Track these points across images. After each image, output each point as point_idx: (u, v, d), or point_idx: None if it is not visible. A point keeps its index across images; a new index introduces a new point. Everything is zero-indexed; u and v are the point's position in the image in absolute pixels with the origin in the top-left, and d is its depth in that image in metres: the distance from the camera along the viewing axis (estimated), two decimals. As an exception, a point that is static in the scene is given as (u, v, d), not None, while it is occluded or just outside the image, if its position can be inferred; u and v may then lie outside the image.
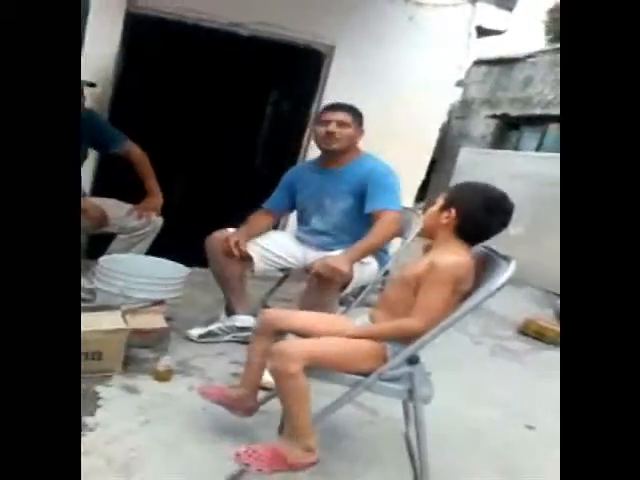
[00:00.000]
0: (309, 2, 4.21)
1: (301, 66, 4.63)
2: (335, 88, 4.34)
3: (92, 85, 3.40)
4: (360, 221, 3.03)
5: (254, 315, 3.21)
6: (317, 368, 1.97)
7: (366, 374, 2.01)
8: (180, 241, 3.53)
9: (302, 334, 2.18)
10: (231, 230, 3.17)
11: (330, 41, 4.35)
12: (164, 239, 3.57)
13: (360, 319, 2.25)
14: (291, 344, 1.99)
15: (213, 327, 3.16)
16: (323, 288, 2.80)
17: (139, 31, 4.07)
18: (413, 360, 2.01)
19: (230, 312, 3.22)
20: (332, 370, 2.01)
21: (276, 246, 3.20)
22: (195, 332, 3.13)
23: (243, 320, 3.17)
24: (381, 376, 2.01)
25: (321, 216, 3.16)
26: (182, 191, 5.57)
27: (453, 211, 2.06)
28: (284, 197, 3.31)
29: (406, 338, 2.02)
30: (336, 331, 2.12)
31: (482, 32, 4.70)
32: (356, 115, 3.08)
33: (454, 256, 2.02)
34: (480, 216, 2.04)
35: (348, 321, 2.28)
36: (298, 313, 2.40)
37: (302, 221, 3.29)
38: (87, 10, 3.64)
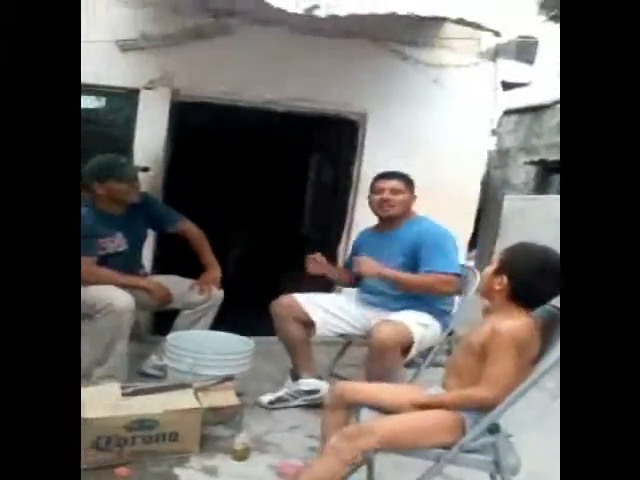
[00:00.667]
0: (338, 75, 4.36)
1: (337, 135, 4.80)
2: (373, 153, 4.48)
3: (146, 170, 3.55)
4: None
5: (319, 378, 3.23)
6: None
7: (447, 446, 2.00)
8: (237, 312, 3.59)
9: (373, 407, 2.18)
10: (298, 296, 3.25)
11: (362, 109, 4.50)
12: (223, 311, 3.62)
13: (434, 388, 2.24)
14: (364, 425, 1.98)
15: (281, 393, 3.23)
16: (383, 353, 2.81)
17: (184, 116, 4.29)
18: (493, 429, 1.99)
19: (295, 376, 3.26)
20: (410, 448, 2.00)
21: (339, 311, 3.24)
22: (265, 399, 3.20)
23: (309, 384, 3.22)
24: (463, 448, 1.99)
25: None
26: (235, 262, 5.71)
27: (505, 278, 2.06)
28: (351, 258, 3.39)
29: (480, 408, 2.00)
30: (407, 402, 2.11)
31: (507, 86, 4.86)
32: (408, 181, 3.23)
33: (513, 321, 2.00)
34: (534, 282, 2.02)
35: (419, 390, 2.27)
36: (368, 385, 2.41)
37: (362, 282, 3.33)
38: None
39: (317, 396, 3.18)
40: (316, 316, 3.19)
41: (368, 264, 3.02)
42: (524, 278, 2.03)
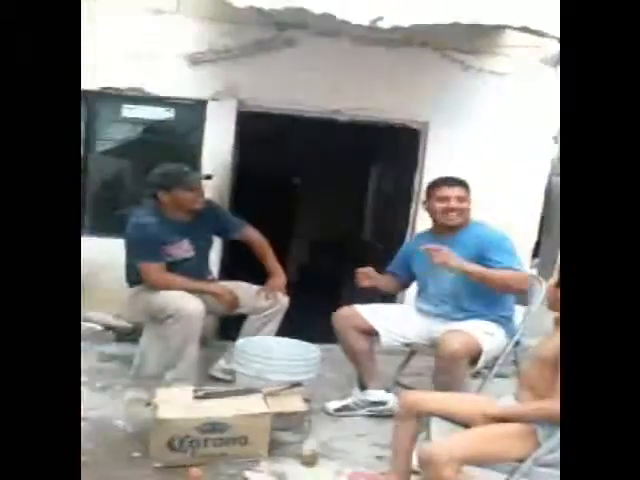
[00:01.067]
0: (400, 85, 4.39)
1: (398, 143, 4.82)
2: (434, 162, 4.49)
3: (209, 177, 3.64)
4: (476, 287, 3.05)
5: (386, 390, 3.27)
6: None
7: (520, 459, 2.01)
8: (302, 318, 3.66)
9: (445, 417, 2.20)
10: (359, 307, 3.26)
11: (424, 118, 4.52)
12: (287, 318, 3.68)
13: (505, 398, 2.25)
14: (439, 449, 1.96)
15: (348, 401, 3.26)
16: (452, 364, 2.82)
17: (249, 126, 4.39)
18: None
19: (362, 387, 3.30)
20: (486, 463, 2.01)
21: (402, 321, 3.26)
22: (331, 406, 3.24)
23: (376, 395, 3.24)
24: (537, 461, 1.99)
25: (438, 284, 3.20)
26: (297, 270, 5.79)
27: None
28: (403, 265, 3.40)
29: (557, 420, 2.00)
30: (479, 412, 2.13)
31: None
32: (467, 188, 3.21)
33: None
34: None
35: (491, 400, 2.27)
36: (439, 395, 2.42)
37: (421, 290, 3.35)
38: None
39: (383, 407, 3.21)
40: (379, 326, 3.21)
41: (450, 255, 2.92)
42: None
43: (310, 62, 4.26)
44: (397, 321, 3.26)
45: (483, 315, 3.08)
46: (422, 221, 4.39)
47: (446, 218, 3.17)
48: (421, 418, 2.26)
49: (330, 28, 3.99)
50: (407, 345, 3.33)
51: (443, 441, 2.06)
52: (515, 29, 4.06)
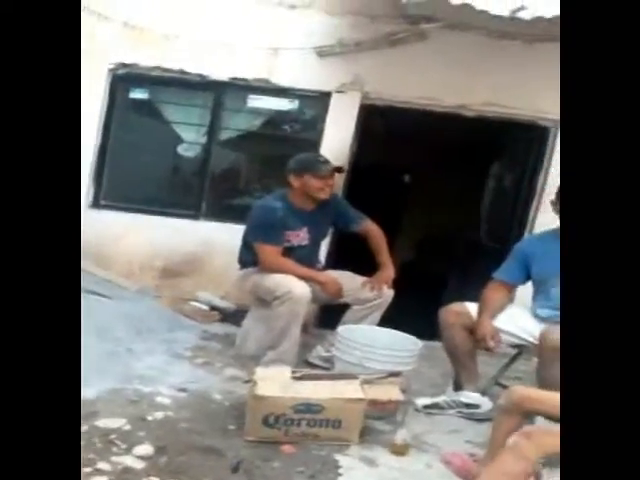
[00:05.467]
0: (532, 80, 4.24)
1: (525, 141, 4.65)
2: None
3: (340, 170, 3.67)
4: None
5: (482, 393, 3.16)
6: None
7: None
8: (405, 314, 3.63)
9: (552, 418, 2.09)
10: (469, 304, 3.18)
11: (555, 115, 4.31)
12: (390, 312, 3.68)
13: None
14: (544, 429, 1.93)
15: (439, 399, 3.17)
16: (555, 354, 2.65)
17: (372, 119, 4.44)
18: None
19: (458, 387, 3.21)
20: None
21: (510, 321, 3.14)
22: (421, 402, 3.16)
23: (470, 397, 3.13)
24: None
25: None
26: (404, 266, 5.75)
27: None
28: (519, 268, 3.22)
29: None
30: None
31: None
32: None
33: None
34: None
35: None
36: (548, 394, 2.30)
37: (541, 295, 3.16)
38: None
39: (476, 411, 3.10)
40: None
41: None
42: None
43: (441, 56, 4.23)
44: (508, 321, 3.12)
45: None
46: (540, 227, 4.26)
47: None
48: (526, 416, 2.17)
49: (466, 21, 3.91)
50: (515, 346, 3.22)
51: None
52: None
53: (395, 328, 3.42)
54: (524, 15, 3.35)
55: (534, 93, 4.25)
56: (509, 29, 3.87)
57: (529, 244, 3.33)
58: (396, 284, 3.69)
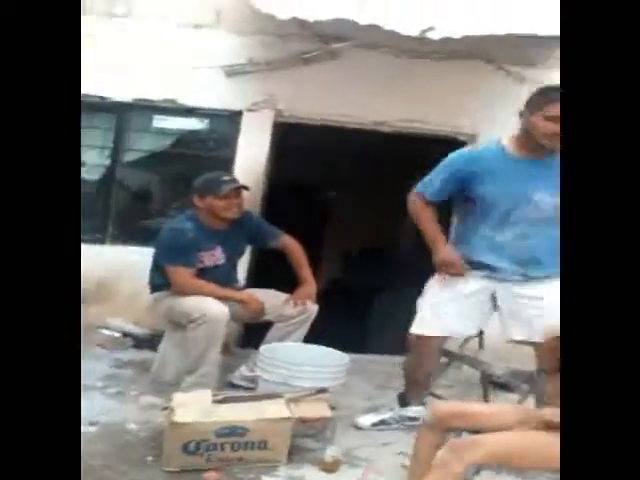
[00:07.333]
0: (447, 97, 4.30)
1: (444, 155, 4.71)
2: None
3: (245, 188, 3.59)
4: None
5: (424, 404, 3.07)
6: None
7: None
8: (331, 328, 3.55)
9: (477, 431, 2.02)
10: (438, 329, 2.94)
11: (472, 130, 4.39)
12: (316, 326, 3.57)
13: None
14: (468, 441, 1.89)
15: (386, 416, 3.06)
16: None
17: (286, 137, 4.37)
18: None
19: (404, 402, 3.10)
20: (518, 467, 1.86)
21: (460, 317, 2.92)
22: (367, 420, 3.03)
23: (416, 411, 3.03)
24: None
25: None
26: (329, 280, 5.71)
27: None
28: (449, 184, 2.93)
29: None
30: (516, 423, 1.96)
31: None
32: None
33: None
34: None
35: (529, 411, 2.11)
36: (472, 407, 2.23)
37: (494, 219, 2.86)
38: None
39: (417, 423, 2.99)
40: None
41: None
42: None
43: (353, 74, 4.23)
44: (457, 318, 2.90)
45: None
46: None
47: (551, 141, 2.62)
48: (450, 431, 2.09)
49: (376, 40, 3.94)
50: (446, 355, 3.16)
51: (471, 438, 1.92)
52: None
53: (324, 343, 3.33)
54: (433, 35, 3.39)
55: (449, 109, 4.32)
56: (419, 48, 3.92)
57: (468, 160, 2.90)
58: (324, 299, 3.62)
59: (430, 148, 4.77)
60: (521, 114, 2.79)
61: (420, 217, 3.00)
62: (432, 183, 2.95)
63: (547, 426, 1.87)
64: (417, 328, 2.95)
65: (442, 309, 2.90)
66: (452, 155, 2.98)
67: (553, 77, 4.22)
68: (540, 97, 2.73)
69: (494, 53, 4.22)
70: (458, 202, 3.02)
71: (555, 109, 2.51)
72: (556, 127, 2.50)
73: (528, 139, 2.77)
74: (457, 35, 3.38)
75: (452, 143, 4.44)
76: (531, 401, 2.72)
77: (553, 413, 1.91)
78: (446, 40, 3.42)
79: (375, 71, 4.21)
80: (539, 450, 1.85)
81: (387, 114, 4.32)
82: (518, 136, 2.83)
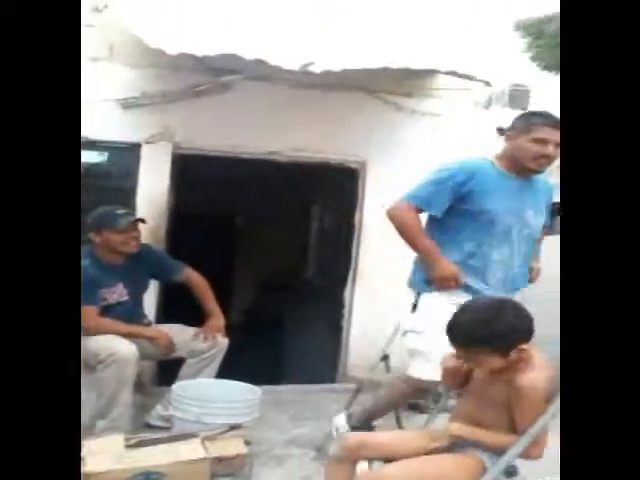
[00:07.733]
0: (336, 126, 4.41)
1: (337, 183, 4.86)
2: (373, 200, 4.46)
3: (142, 221, 3.55)
4: None
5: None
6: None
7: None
8: (245, 360, 3.54)
9: (389, 459, 2.08)
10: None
11: (361, 158, 4.57)
12: (227, 359, 3.56)
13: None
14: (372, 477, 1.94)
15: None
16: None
17: (185, 169, 4.35)
18: (512, 472, 1.95)
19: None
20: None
21: None
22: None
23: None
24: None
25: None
26: (239, 311, 5.70)
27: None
28: (443, 196, 2.82)
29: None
30: (423, 448, 2.04)
31: (502, 131, 4.87)
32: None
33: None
34: None
35: (437, 430, 2.20)
36: (383, 436, 2.28)
37: (492, 234, 2.82)
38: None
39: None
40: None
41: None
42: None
43: (247, 106, 4.25)
44: None
45: None
46: (365, 262, 4.44)
47: (536, 164, 2.72)
48: (358, 461, 2.12)
49: (265, 73, 4.01)
50: None
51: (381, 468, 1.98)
52: (444, 73, 4.19)
53: (235, 376, 3.32)
54: (314, 69, 3.52)
55: (337, 138, 4.44)
56: (305, 80, 4.04)
57: (464, 173, 2.79)
58: (234, 331, 3.60)
59: (324, 176, 4.93)
60: (507, 137, 2.84)
61: (413, 229, 2.79)
62: (433, 195, 2.78)
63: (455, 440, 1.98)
64: (422, 372, 2.71)
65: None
66: (448, 167, 2.85)
67: (429, 106, 4.53)
68: (526, 121, 2.78)
69: (373, 85, 4.40)
70: (448, 215, 2.82)
71: (541, 132, 2.67)
72: (543, 149, 2.65)
73: (515, 161, 2.79)
74: (337, 68, 3.51)
75: (344, 171, 4.62)
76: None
77: (459, 428, 2.04)
78: (327, 73, 3.55)
79: (266, 102, 4.26)
80: (442, 474, 1.95)
81: (279, 143, 4.40)
82: (503, 156, 2.85)
